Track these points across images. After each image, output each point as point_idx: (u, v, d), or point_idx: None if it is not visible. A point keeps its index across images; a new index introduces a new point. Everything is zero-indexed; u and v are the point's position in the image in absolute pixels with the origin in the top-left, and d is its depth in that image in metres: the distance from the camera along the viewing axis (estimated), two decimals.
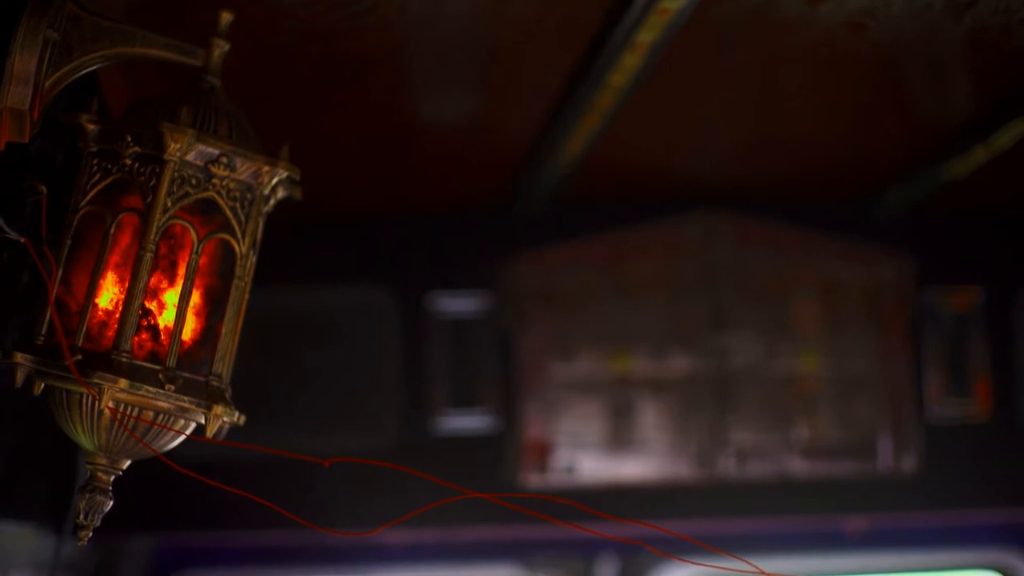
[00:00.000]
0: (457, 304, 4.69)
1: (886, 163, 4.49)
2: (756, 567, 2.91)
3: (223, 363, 2.72)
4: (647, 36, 3.24)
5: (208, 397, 2.67)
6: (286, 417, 4.61)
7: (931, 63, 3.68)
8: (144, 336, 2.57)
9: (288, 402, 4.62)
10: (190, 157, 2.61)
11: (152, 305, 2.58)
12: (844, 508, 4.88)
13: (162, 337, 2.59)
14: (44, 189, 2.62)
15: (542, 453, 4.67)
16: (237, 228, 2.68)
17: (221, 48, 2.75)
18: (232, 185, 2.67)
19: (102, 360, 2.51)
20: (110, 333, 2.55)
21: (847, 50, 3.52)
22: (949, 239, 4.86)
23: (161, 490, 4.43)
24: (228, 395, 2.75)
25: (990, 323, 4.84)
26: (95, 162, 2.62)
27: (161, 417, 2.59)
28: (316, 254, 4.70)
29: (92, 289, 2.56)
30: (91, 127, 2.62)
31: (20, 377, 2.54)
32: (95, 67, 2.62)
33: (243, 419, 2.81)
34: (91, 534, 2.63)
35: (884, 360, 4.77)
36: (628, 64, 3.41)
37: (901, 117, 4.13)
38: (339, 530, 4.82)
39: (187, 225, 2.61)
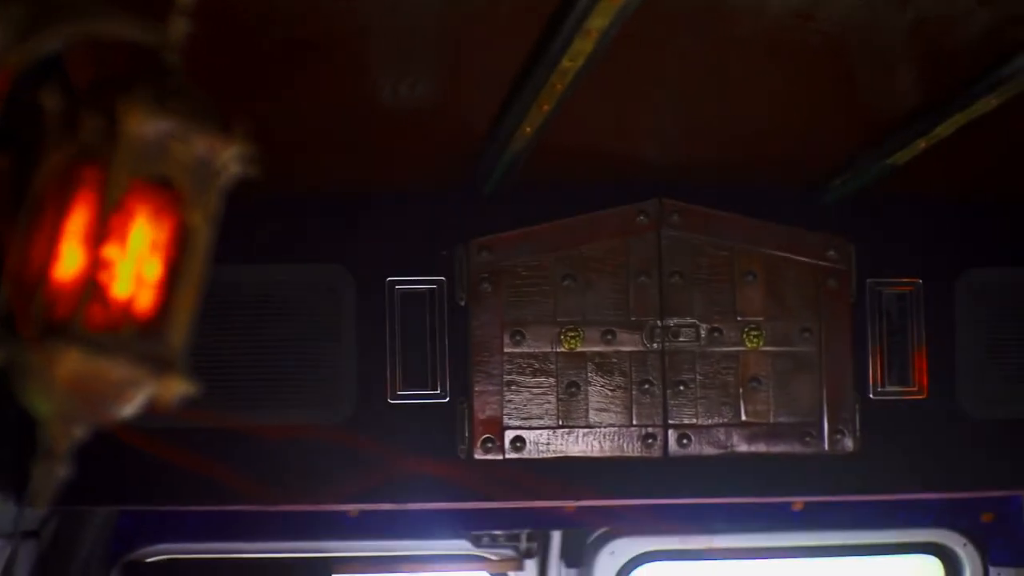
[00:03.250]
0: (412, 282, 4.75)
1: (831, 151, 4.57)
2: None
3: (178, 335, 2.75)
4: (599, 22, 3.30)
5: (162, 367, 2.70)
6: (245, 390, 4.67)
7: (876, 54, 3.75)
8: (99, 306, 2.59)
9: (247, 375, 4.68)
10: (146, 132, 2.64)
11: (107, 276, 2.61)
12: (786, 486, 4.97)
13: (117, 308, 2.61)
14: (4, 164, 2.65)
15: (493, 429, 4.74)
16: (193, 202, 2.71)
17: (181, 27, 2.78)
18: (188, 160, 2.70)
19: (58, 329, 2.54)
20: (66, 303, 2.58)
21: (794, 40, 3.59)
22: (891, 226, 4.95)
23: (123, 461, 4.49)
24: (183, 366, 2.78)
25: (929, 307, 4.93)
26: (55, 137, 2.65)
27: (115, 386, 2.62)
28: (275, 232, 4.76)
29: (49, 260, 2.58)
30: (52, 103, 2.66)
31: None
32: (58, 44, 2.65)
33: (197, 390, 2.84)
34: (50, 502, 2.67)
35: (826, 343, 4.86)
36: (580, 49, 3.46)
37: (846, 106, 4.20)
38: (295, 502, 4.90)
39: (143, 199, 2.64)
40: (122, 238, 2.68)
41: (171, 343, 2.76)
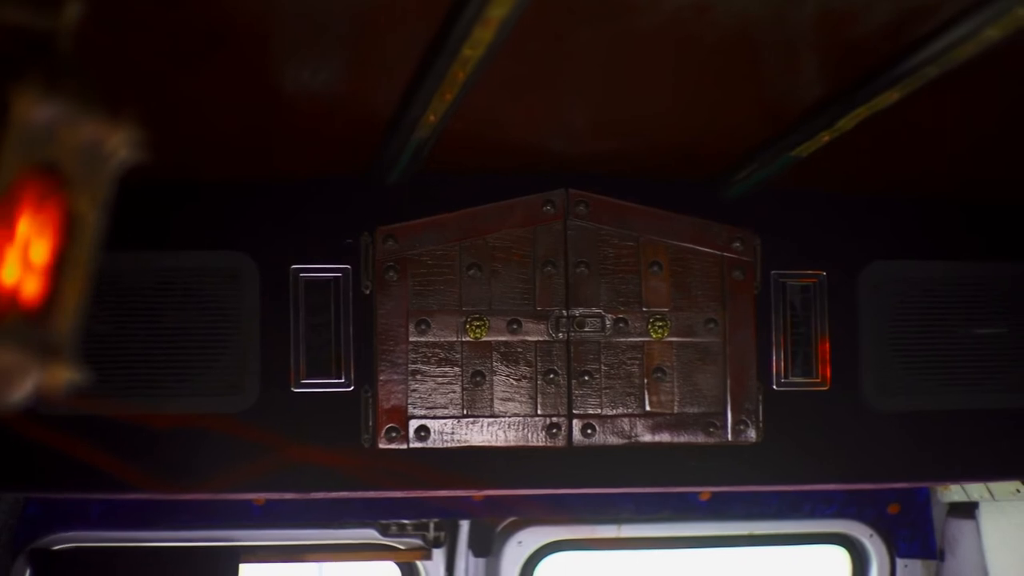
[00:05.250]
0: (316, 270, 4.74)
1: (736, 143, 4.59)
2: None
3: (65, 322, 2.73)
4: (498, 11, 3.29)
5: (49, 355, 2.68)
6: (148, 378, 4.64)
7: (778, 47, 3.77)
8: None
9: (150, 364, 4.65)
10: (36, 118, 2.62)
11: None
12: (690, 476, 4.99)
13: (3, 295, 2.59)
14: None
15: (397, 418, 4.73)
16: (81, 188, 2.69)
17: (75, 11, 2.75)
18: (76, 146, 2.69)
19: None
20: None
21: (695, 32, 3.61)
22: (796, 218, 5.00)
23: (27, 449, 4.45)
24: (70, 353, 2.76)
25: (833, 299, 4.98)
26: None
27: (1, 374, 2.60)
28: (180, 219, 4.73)
29: None
30: None
31: None
32: None
33: (85, 377, 2.82)
34: None
35: (730, 334, 4.89)
36: (481, 38, 3.45)
37: (750, 99, 4.23)
38: (198, 490, 4.88)
39: (30, 185, 2.62)
40: (9, 224, 2.65)
41: (58, 330, 2.75)
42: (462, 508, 5.78)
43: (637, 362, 4.84)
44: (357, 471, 4.73)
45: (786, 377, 4.95)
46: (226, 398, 4.68)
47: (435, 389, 4.75)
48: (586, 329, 4.82)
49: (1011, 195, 5.06)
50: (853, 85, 3.96)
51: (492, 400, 4.77)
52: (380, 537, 5.89)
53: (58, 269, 2.70)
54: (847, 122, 4.13)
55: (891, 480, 5.39)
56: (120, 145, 2.81)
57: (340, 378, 4.73)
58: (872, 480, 5.30)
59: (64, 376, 2.73)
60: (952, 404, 5.05)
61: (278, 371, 4.70)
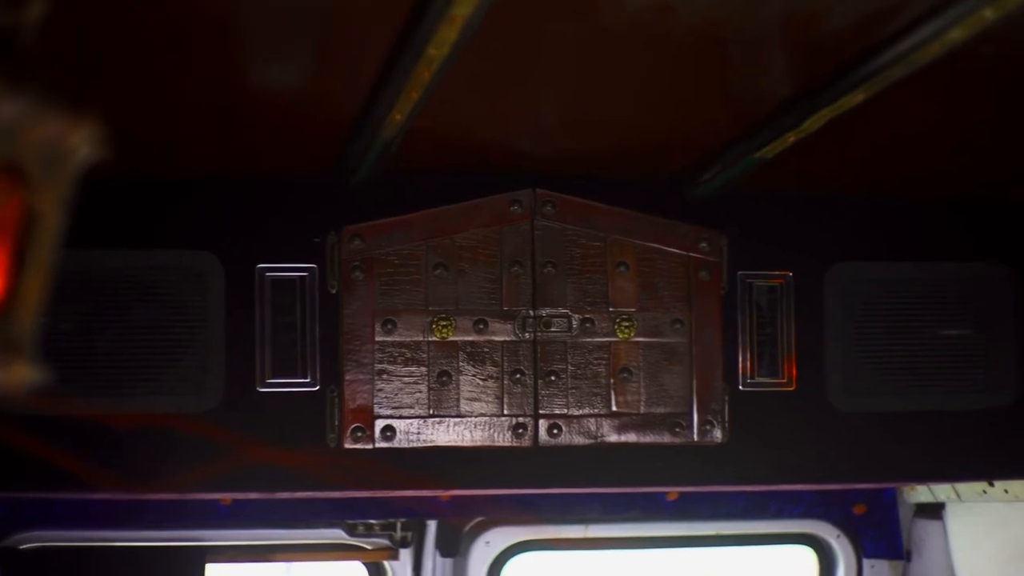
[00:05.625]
0: (282, 270, 4.72)
1: (702, 144, 4.60)
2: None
3: (26, 321, 2.71)
4: (462, 9, 3.29)
5: (9, 354, 2.66)
6: (112, 378, 4.62)
7: (743, 48, 3.78)
8: None
9: (115, 363, 4.63)
10: None
11: None
12: (656, 476, 5.00)
13: None
14: None
15: (363, 418, 4.72)
16: (42, 186, 2.68)
17: (37, 7, 2.74)
18: (38, 145, 2.68)
19: None
20: None
21: (660, 32, 3.60)
22: (762, 218, 5.00)
23: None
24: (31, 352, 2.75)
25: (799, 299, 4.99)
26: None
27: None
28: (145, 217, 4.71)
29: None
30: None
31: None
32: None
33: (49, 377, 2.81)
34: None
35: (697, 334, 4.90)
36: (445, 37, 3.44)
37: (716, 100, 4.24)
38: (163, 490, 4.86)
39: None
40: None
41: (18, 329, 2.74)
42: (429, 508, 5.78)
43: (603, 362, 4.85)
44: (323, 471, 4.72)
45: (752, 377, 4.96)
46: (191, 397, 4.66)
47: (401, 389, 4.74)
48: (552, 329, 4.82)
49: (978, 196, 5.09)
50: (818, 86, 3.96)
51: (458, 400, 4.76)
52: (347, 537, 5.89)
53: (19, 268, 2.69)
54: (813, 123, 4.13)
55: (857, 480, 5.41)
56: (82, 143, 2.80)
57: (306, 378, 4.71)
58: (838, 480, 5.31)
59: (26, 375, 2.72)
60: (918, 405, 5.06)
61: (243, 370, 4.68)
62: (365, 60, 3.78)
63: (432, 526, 5.96)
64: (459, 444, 4.77)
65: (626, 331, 4.85)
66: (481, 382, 4.78)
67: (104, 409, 4.55)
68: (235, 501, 5.60)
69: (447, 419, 4.76)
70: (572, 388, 4.82)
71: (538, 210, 4.83)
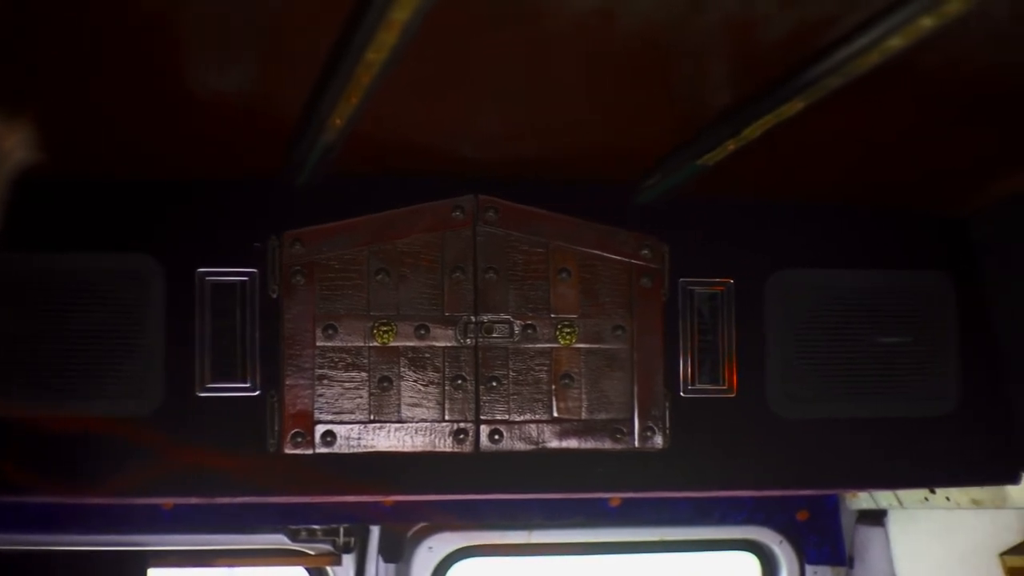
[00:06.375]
0: (223, 274, 4.70)
1: (644, 151, 4.61)
2: None
3: None
4: (400, 14, 3.29)
5: None
6: (50, 381, 4.58)
7: (683, 56, 3.79)
8: None
9: (53, 366, 4.59)
10: None
11: None
12: (598, 482, 5.00)
13: None
14: None
15: (303, 423, 4.70)
16: None
17: None
18: None
19: None
20: None
21: (600, 38, 3.61)
22: (703, 226, 5.01)
23: None
24: None
25: (740, 306, 5.00)
26: None
27: None
28: (84, 220, 4.67)
29: None
30: None
31: None
32: None
33: None
34: None
35: (638, 340, 4.90)
36: (384, 41, 3.44)
37: (657, 107, 4.23)
38: (101, 495, 4.83)
39: None
40: None
41: None
42: (372, 513, 5.76)
43: (545, 368, 4.84)
44: (263, 476, 4.69)
45: (693, 384, 4.96)
46: (130, 401, 4.62)
47: (342, 394, 4.72)
48: (494, 335, 4.81)
49: (918, 203, 5.11)
50: (758, 94, 3.98)
51: (399, 405, 4.75)
52: (289, 542, 5.86)
53: None
54: (753, 130, 4.15)
55: (799, 487, 5.43)
56: (17, 147, 2.78)
57: (246, 382, 4.68)
58: (780, 487, 5.33)
59: None
60: (859, 412, 5.08)
61: (183, 375, 4.65)
62: (305, 64, 3.76)
63: (375, 531, 5.95)
64: (400, 450, 4.75)
65: (568, 337, 4.85)
66: (422, 388, 4.77)
67: (42, 412, 4.52)
68: (176, 506, 5.56)
69: (388, 424, 4.74)
70: (513, 394, 4.81)
71: (480, 216, 4.83)
